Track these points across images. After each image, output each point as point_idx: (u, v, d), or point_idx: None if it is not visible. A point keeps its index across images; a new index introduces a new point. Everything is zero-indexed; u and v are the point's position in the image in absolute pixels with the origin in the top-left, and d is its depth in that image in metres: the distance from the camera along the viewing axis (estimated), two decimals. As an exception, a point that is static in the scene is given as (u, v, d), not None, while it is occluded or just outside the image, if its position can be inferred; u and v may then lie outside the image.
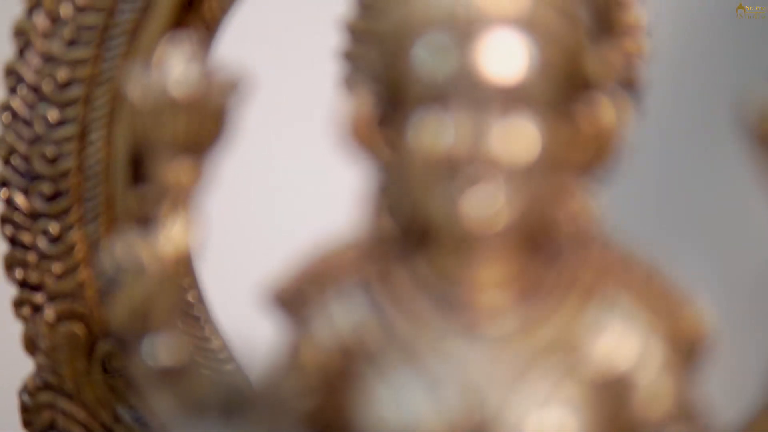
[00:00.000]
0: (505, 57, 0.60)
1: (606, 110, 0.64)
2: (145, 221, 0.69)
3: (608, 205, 0.66)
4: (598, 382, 0.63)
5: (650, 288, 0.65)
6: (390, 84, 0.64)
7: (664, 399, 0.63)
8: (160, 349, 0.65)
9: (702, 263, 0.93)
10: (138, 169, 0.82)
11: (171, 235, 0.66)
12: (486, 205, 0.60)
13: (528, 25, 0.61)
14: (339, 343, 0.65)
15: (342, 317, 0.66)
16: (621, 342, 0.64)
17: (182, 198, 0.67)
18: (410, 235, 0.65)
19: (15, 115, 0.84)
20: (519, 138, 0.60)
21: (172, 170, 0.66)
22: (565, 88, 0.62)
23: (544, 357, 0.62)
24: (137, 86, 0.67)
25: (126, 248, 0.65)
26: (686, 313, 0.65)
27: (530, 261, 0.63)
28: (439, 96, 0.61)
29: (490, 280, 0.62)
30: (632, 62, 0.70)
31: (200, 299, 0.84)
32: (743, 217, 0.73)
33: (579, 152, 0.64)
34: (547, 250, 0.64)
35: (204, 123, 0.67)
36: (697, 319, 0.64)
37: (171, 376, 0.66)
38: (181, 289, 0.74)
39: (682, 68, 0.90)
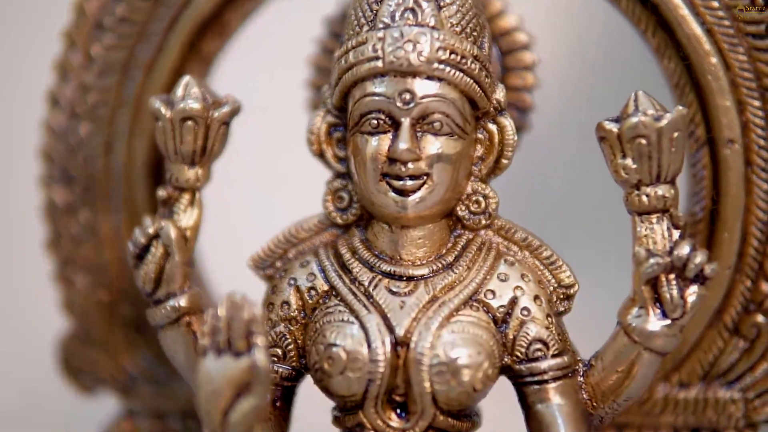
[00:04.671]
0: (421, 91, 0.79)
1: (501, 128, 0.83)
2: (166, 208, 0.85)
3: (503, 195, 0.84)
4: (483, 309, 0.80)
5: (527, 247, 0.83)
6: (343, 111, 0.82)
7: (533, 325, 0.81)
8: (180, 296, 0.83)
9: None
10: (153, 172, 0.95)
11: (188, 218, 0.84)
12: (413, 196, 0.80)
13: (434, 76, 0.79)
14: (297, 291, 0.82)
15: (299, 274, 0.83)
16: (502, 282, 0.81)
17: (195, 192, 0.85)
18: (351, 220, 0.83)
19: (53, 130, 0.98)
20: (429, 144, 0.79)
21: (189, 173, 0.84)
22: (463, 112, 0.80)
23: (444, 292, 0.80)
24: (163, 105, 0.83)
25: (157, 225, 0.83)
26: (554, 267, 0.82)
27: (438, 228, 0.82)
28: (385, 116, 0.79)
29: (411, 239, 0.81)
30: (523, 92, 0.90)
31: (197, 267, 0.96)
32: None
33: (481, 156, 0.82)
34: (452, 221, 0.83)
35: (211, 136, 0.84)
36: (562, 272, 0.82)
37: (185, 318, 0.83)
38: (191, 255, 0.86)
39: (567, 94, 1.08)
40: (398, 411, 0.80)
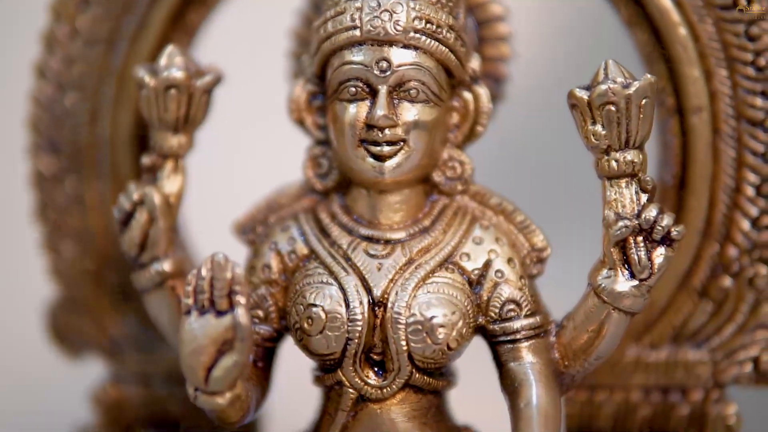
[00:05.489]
0: (398, 60, 0.81)
1: (476, 97, 0.85)
2: (150, 175, 0.87)
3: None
4: (458, 271, 0.83)
5: (501, 212, 0.85)
6: (322, 79, 0.84)
7: (506, 287, 0.83)
8: (165, 260, 0.86)
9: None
10: (138, 140, 0.96)
11: (171, 184, 0.86)
12: (390, 161, 0.82)
13: (411, 45, 0.82)
14: (278, 255, 0.85)
15: (280, 238, 0.85)
16: (477, 246, 0.83)
17: (178, 159, 0.87)
18: (330, 186, 0.85)
19: (40, 101, 0.98)
20: (405, 111, 0.82)
21: (173, 141, 0.86)
22: (439, 80, 0.82)
23: (420, 255, 0.83)
24: (148, 74, 0.85)
25: (142, 191, 0.85)
26: (527, 231, 0.85)
27: (415, 194, 0.84)
28: (363, 84, 0.81)
29: (388, 204, 0.84)
30: (499, 62, 0.91)
31: (181, 233, 0.97)
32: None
33: (456, 124, 0.85)
34: (428, 186, 0.85)
35: (194, 105, 0.86)
36: (535, 236, 0.85)
37: (169, 282, 0.86)
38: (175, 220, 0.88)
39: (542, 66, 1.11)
40: (376, 369, 0.83)
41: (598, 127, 0.81)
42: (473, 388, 0.89)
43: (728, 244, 0.92)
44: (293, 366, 0.88)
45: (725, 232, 0.91)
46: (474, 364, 0.87)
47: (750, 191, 0.91)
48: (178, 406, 1.01)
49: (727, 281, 0.92)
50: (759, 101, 0.89)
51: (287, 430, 0.90)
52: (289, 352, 0.87)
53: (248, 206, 0.89)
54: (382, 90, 0.82)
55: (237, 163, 1.19)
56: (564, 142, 0.92)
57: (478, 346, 0.85)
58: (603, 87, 0.80)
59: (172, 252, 0.87)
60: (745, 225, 0.91)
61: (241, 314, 0.75)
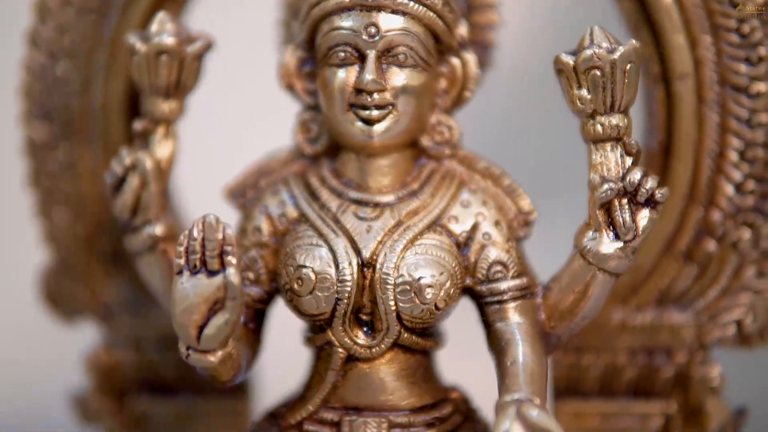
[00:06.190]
0: (386, 25, 0.83)
1: (464, 62, 0.87)
2: (142, 141, 0.88)
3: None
4: (446, 234, 0.84)
5: (489, 176, 0.86)
6: (312, 45, 0.86)
7: (494, 249, 0.84)
8: (157, 224, 0.87)
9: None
10: (129, 108, 0.97)
11: (163, 150, 0.88)
12: (379, 125, 0.83)
13: (399, 11, 0.83)
14: (268, 218, 0.86)
15: (270, 202, 0.87)
16: (465, 209, 0.85)
17: (170, 125, 0.88)
18: (320, 151, 0.87)
19: (32, 70, 0.99)
20: (394, 76, 0.83)
21: (164, 106, 0.87)
22: (427, 45, 0.84)
23: (409, 218, 0.84)
24: (139, 40, 0.86)
25: (134, 156, 0.87)
26: (514, 195, 0.86)
27: (403, 158, 0.86)
28: (352, 49, 0.82)
29: (377, 167, 0.85)
30: (486, 29, 0.91)
31: (173, 198, 0.97)
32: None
33: (444, 89, 0.86)
34: (416, 151, 0.87)
35: (185, 71, 0.87)
36: (522, 199, 0.86)
37: (161, 245, 0.87)
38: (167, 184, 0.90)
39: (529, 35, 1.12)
40: (365, 329, 0.84)
41: (584, 92, 0.82)
42: (461, 349, 0.90)
43: (712, 208, 0.93)
44: (284, 327, 0.89)
45: (710, 196, 0.93)
46: (462, 324, 0.88)
47: (734, 156, 0.92)
48: (171, 369, 1.02)
49: (711, 245, 0.93)
50: (743, 67, 0.91)
51: (279, 389, 0.91)
52: (280, 314, 0.88)
53: (239, 171, 0.89)
54: (371, 55, 0.83)
55: (228, 128, 1.19)
56: (550, 108, 0.93)
57: (466, 308, 0.86)
58: (588, 52, 0.81)
59: (163, 216, 0.88)
60: (729, 189, 0.93)
61: (232, 274, 0.76)
